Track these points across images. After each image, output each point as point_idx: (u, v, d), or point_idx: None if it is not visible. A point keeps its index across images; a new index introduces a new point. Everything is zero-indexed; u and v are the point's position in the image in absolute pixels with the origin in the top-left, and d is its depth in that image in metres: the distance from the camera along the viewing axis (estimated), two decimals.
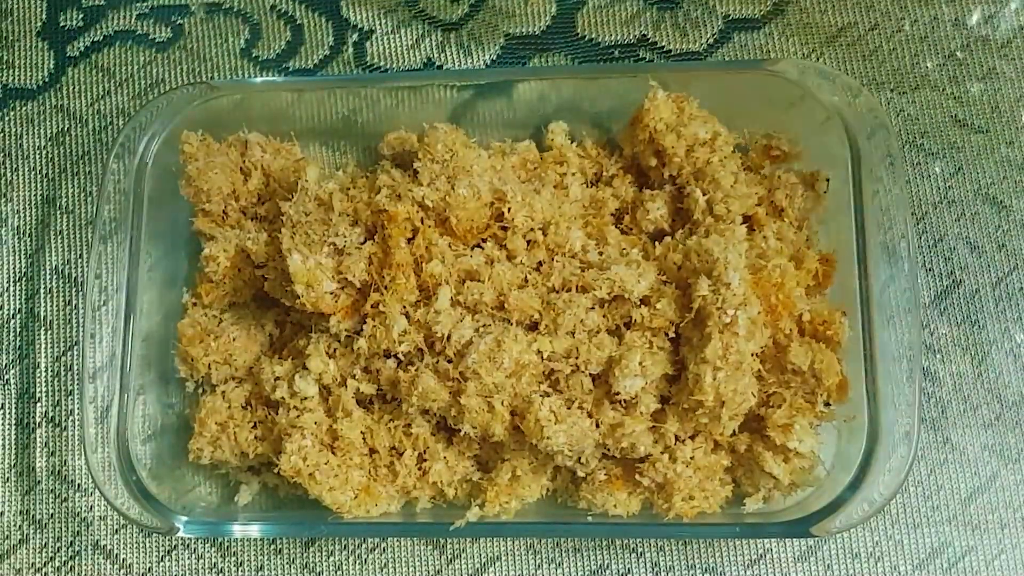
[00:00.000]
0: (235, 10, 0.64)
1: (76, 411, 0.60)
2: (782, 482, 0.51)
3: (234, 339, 0.55)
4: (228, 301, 0.56)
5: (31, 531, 0.59)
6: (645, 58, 0.62)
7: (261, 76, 0.64)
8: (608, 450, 0.51)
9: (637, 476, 0.51)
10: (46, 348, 0.61)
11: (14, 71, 0.65)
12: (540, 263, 0.53)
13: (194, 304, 0.57)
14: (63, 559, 0.59)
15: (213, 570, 0.58)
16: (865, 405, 0.49)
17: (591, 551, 0.56)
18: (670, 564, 0.56)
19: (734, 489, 0.53)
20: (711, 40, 0.62)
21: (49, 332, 0.61)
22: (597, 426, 0.50)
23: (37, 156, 0.63)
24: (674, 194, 0.55)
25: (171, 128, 0.56)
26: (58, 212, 0.62)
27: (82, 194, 0.63)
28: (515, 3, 0.63)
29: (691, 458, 0.51)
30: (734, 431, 0.51)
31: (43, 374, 0.61)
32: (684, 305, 0.50)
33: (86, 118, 0.64)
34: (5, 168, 0.63)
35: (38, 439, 0.60)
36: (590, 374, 0.51)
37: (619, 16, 0.63)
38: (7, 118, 0.64)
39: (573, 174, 0.56)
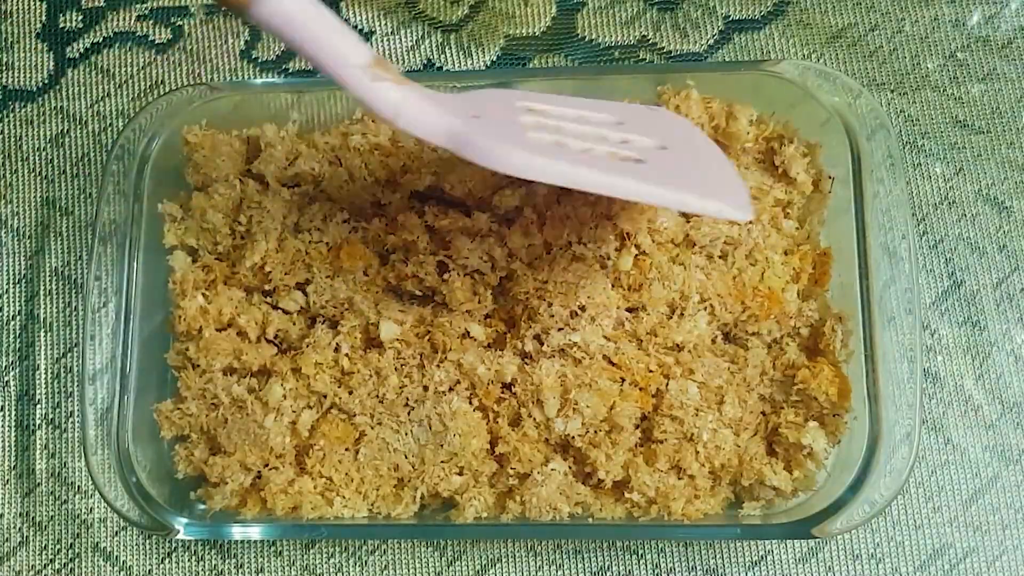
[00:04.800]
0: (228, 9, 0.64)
1: (76, 413, 0.60)
2: (785, 491, 0.51)
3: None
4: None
5: (31, 533, 0.59)
6: (645, 59, 0.62)
7: (261, 77, 0.63)
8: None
9: (626, 493, 0.51)
10: (46, 350, 0.61)
11: (13, 73, 0.65)
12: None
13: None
14: (63, 561, 0.59)
15: (213, 572, 0.58)
16: (866, 406, 0.49)
17: (592, 552, 0.56)
18: (671, 566, 0.56)
19: (738, 492, 0.53)
20: (711, 41, 0.62)
21: (49, 334, 0.61)
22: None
23: (37, 158, 0.63)
24: None
25: (171, 129, 0.56)
26: (58, 214, 0.62)
27: (82, 196, 0.63)
28: (515, 4, 0.63)
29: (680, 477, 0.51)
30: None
31: (43, 376, 0.61)
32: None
33: (86, 120, 0.64)
34: (5, 170, 0.63)
35: (38, 441, 0.60)
36: None
37: (619, 17, 0.63)
38: (6, 120, 0.64)
39: None
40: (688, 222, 0.53)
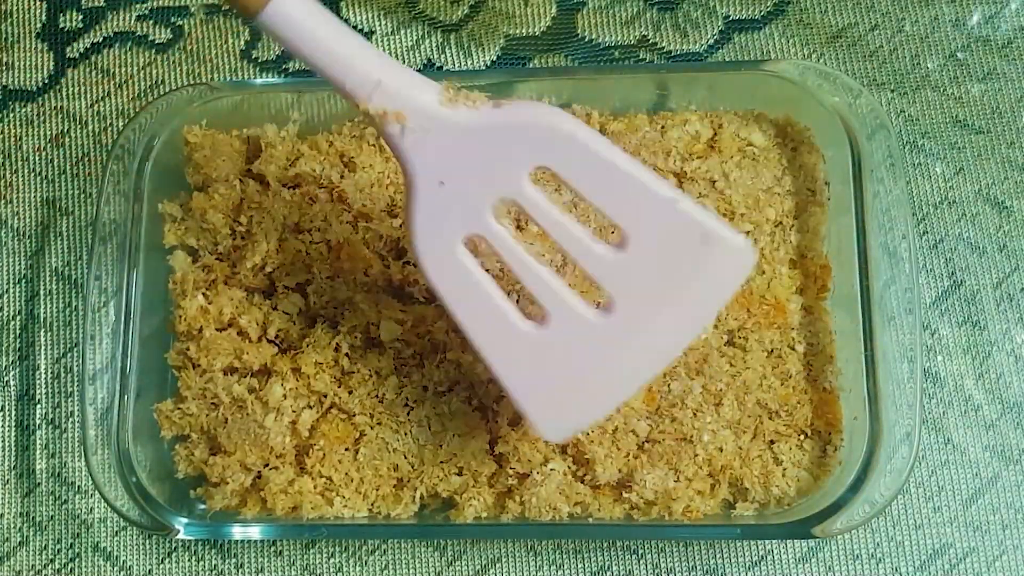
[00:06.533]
0: (235, 11, 0.64)
1: (76, 413, 0.60)
2: (787, 496, 0.51)
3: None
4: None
5: (31, 533, 0.59)
6: (645, 59, 0.62)
7: (261, 77, 0.63)
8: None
9: (624, 493, 0.51)
10: (46, 350, 0.61)
11: (13, 72, 0.65)
12: None
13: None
14: (63, 561, 0.59)
15: (213, 572, 0.58)
16: (866, 406, 0.49)
17: (592, 552, 0.56)
18: (671, 566, 0.56)
19: (735, 494, 0.53)
20: (711, 41, 0.62)
21: (49, 334, 0.61)
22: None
23: (37, 158, 0.63)
24: None
25: (171, 129, 0.56)
26: (58, 214, 0.62)
27: (82, 196, 0.63)
28: (515, 4, 0.63)
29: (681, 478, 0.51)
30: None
31: (43, 376, 0.61)
32: None
33: (86, 120, 0.64)
34: (5, 170, 0.63)
35: (38, 441, 0.60)
36: None
37: (619, 17, 0.63)
38: (6, 120, 0.64)
39: None
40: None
